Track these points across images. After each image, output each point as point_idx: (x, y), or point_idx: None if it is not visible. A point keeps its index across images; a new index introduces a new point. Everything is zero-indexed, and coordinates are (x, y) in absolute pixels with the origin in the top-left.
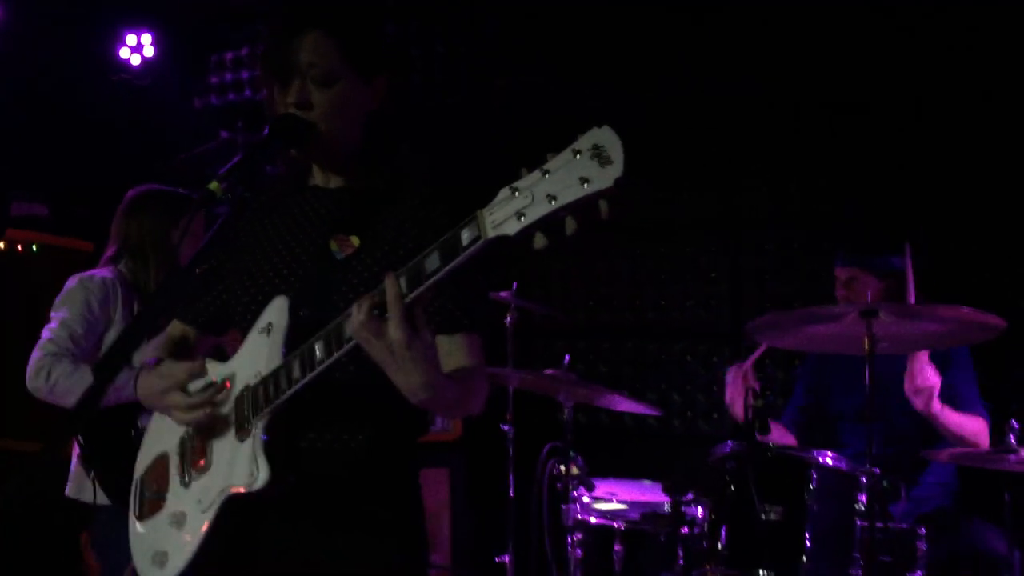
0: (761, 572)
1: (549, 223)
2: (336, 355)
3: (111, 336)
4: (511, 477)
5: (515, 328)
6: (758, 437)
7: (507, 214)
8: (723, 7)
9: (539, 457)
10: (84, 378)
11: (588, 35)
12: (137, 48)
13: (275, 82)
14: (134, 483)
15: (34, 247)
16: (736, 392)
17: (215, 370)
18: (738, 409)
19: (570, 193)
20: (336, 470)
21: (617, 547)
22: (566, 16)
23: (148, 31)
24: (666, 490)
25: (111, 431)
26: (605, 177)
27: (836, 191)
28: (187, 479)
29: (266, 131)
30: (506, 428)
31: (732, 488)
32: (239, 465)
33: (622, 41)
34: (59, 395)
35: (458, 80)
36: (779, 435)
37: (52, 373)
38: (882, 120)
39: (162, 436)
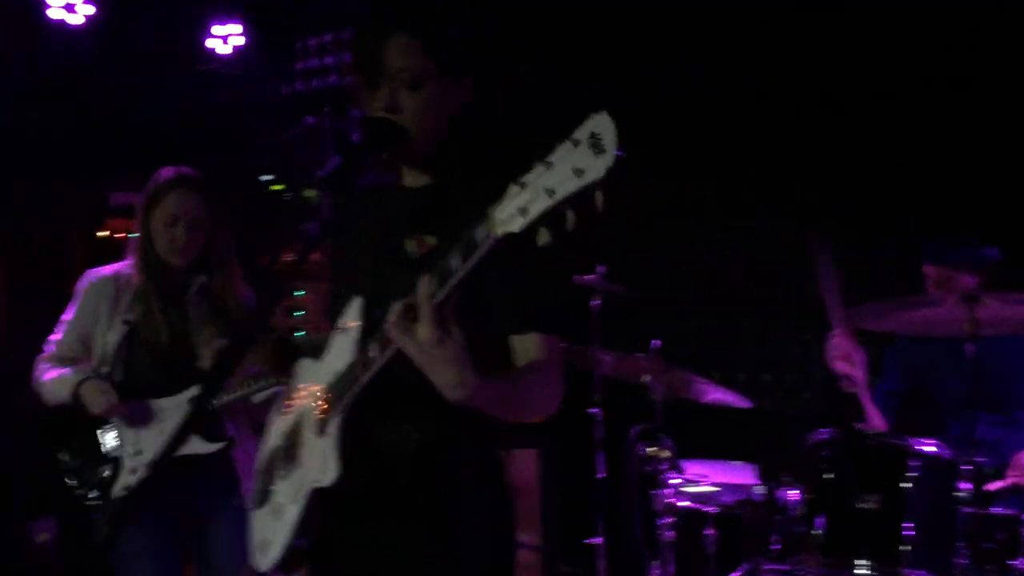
0: (858, 561)
1: (551, 218)
2: (386, 354)
3: (99, 334)
4: (601, 459)
5: (602, 311)
6: (855, 424)
7: (512, 211)
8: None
9: (627, 438)
10: (54, 378)
11: (589, 33)
12: (225, 38)
13: (364, 84)
14: (256, 474)
15: (132, 236)
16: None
17: (307, 368)
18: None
19: (566, 186)
20: (409, 462)
21: (709, 531)
22: (567, 14)
23: (237, 21)
24: (761, 477)
25: (74, 439)
26: (597, 167)
27: (921, 176)
28: (284, 472)
29: (358, 136)
30: (594, 411)
31: (829, 476)
32: (317, 460)
33: (623, 38)
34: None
35: None
36: (872, 419)
37: (35, 374)
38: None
39: (275, 431)
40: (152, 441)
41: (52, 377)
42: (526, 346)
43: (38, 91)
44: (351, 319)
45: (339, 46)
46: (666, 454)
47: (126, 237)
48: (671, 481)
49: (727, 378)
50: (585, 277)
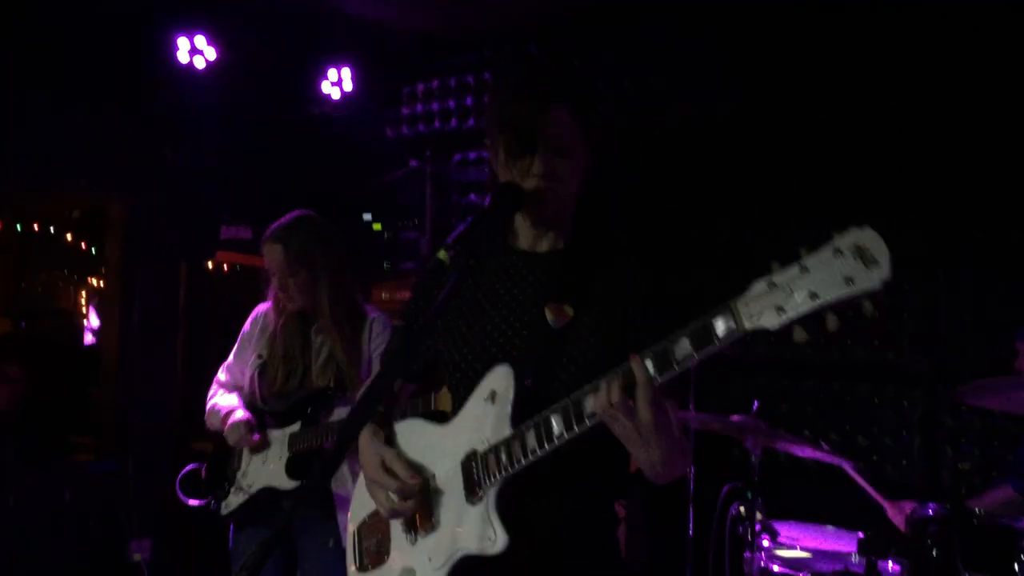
0: None
1: (810, 319)
2: (578, 431)
3: (247, 365)
4: (691, 515)
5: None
6: (967, 502)
7: (765, 307)
8: None
9: (718, 497)
10: (211, 408)
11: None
12: (337, 83)
13: (507, 148)
14: (351, 534)
15: (238, 267)
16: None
17: (432, 432)
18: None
19: (834, 291)
20: (557, 531)
21: None
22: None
23: (348, 66)
24: (862, 549)
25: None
26: (871, 278)
27: None
28: (413, 537)
29: (489, 200)
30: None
31: (934, 553)
32: (473, 528)
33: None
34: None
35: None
36: (999, 497)
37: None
38: None
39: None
40: (255, 469)
41: (210, 408)
42: None
43: (164, 129)
44: (496, 387)
45: (444, 92)
46: (760, 517)
47: (228, 268)
48: (763, 544)
49: (818, 438)
50: None
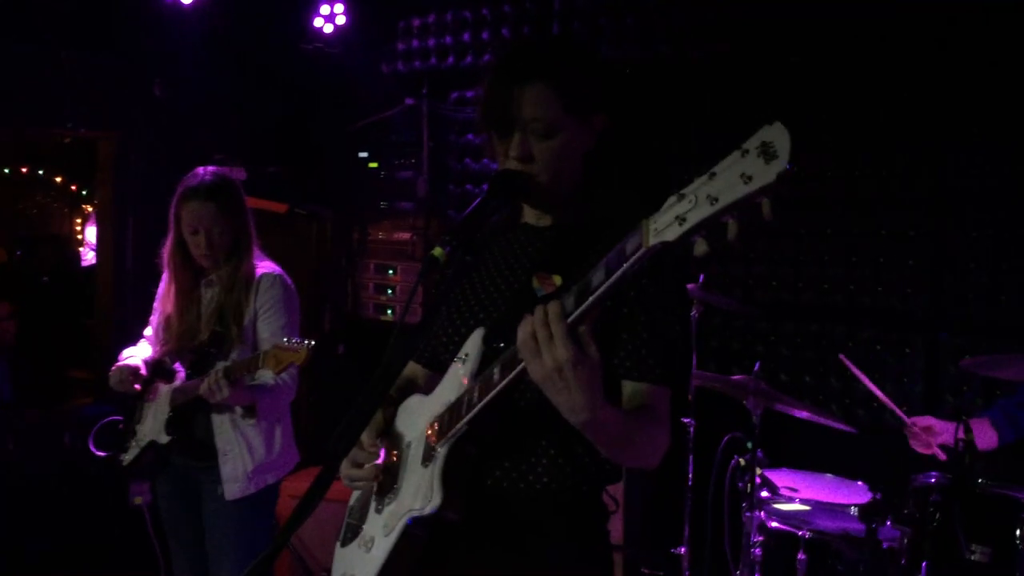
0: None
1: (710, 227)
2: (509, 376)
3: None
4: (691, 467)
5: (700, 320)
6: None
7: (669, 220)
8: None
9: (718, 447)
10: None
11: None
12: (330, 17)
13: (494, 131)
14: (347, 511)
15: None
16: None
17: (419, 403)
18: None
19: (731, 193)
20: (524, 501)
21: (801, 555)
22: None
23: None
24: (862, 516)
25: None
26: (767, 172)
27: None
28: (380, 506)
29: (486, 187)
30: (687, 420)
31: (936, 522)
32: (420, 489)
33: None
34: None
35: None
36: (981, 435)
37: None
38: None
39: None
40: (147, 423)
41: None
42: (638, 391)
43: (152, 67)
44: (469, 349)
45: (441, 28)
46: (758, 470)
47: None
48: (762, 495)
49: (820, 385)
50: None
